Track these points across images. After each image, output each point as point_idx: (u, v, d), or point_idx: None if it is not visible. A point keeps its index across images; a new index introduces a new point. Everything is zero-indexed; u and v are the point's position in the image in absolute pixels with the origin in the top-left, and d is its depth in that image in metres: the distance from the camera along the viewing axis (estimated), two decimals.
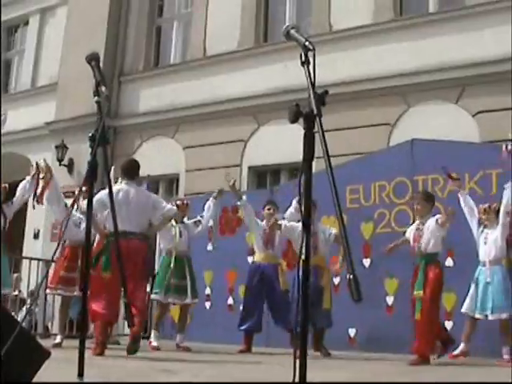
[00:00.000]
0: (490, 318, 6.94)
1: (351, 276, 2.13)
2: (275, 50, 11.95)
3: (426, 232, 6.69)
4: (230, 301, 9.95)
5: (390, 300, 8.58)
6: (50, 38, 16.06)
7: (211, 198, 8.45)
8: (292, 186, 8.71)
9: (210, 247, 10.28)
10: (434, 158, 8.22)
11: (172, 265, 8.06)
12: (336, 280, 8.65)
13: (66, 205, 7.94)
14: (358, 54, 11.19)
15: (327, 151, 2.30)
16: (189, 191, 12.47)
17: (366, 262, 8.74)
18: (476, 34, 10.24)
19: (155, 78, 13.89)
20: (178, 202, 8.31)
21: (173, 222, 7.83)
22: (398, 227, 8.48)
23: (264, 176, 12.31)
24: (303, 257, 2.24)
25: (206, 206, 8.45)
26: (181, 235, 8.18)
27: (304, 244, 2.27)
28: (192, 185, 12.52)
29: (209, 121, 12.61)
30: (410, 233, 6.97)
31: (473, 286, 7.19)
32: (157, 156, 13.18)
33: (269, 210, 8.11)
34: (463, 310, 7.19)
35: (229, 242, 10.05)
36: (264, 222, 8.13)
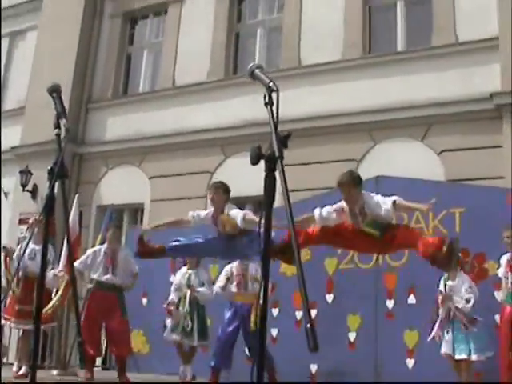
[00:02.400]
0: (474, 358, 6.87)
1: (308, 325, 2.09)
2: (244, 82, 11.93)
3: None
4: None
5: (352, 336, 8.55)
6: (18, 61, 15.96)
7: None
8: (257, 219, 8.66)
9: (172, 278, 10.16)
10: (399, 196, 8.25)
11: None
12: (298, 315, 8.63)
13: None
14: (326, 90, 11.27)
15: (288, 194, 2.27)
16: (153, 221, 12.34)
17: (329, 297, 8.72)
18: (442, 74, 10.41)
19: (123, 107, 13.83)
20: None
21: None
22: (362, 263, 8.51)
23: None
24: (261, 301, 2.20)
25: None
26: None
27: (263, 288, 2.23)
28: (157, 215, 12.38)
29: (176, 151, 12.57)
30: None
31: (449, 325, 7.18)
32: (122, 185, 13.09)
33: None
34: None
35: None
36: (237, 263, 8.09)
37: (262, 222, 2.35)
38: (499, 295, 7.36)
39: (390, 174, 8.97)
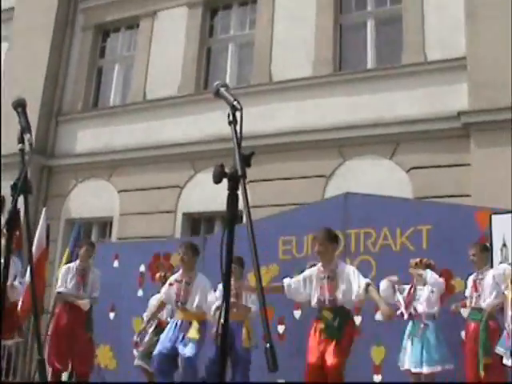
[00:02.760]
0: (425, 371, 6.99)
1: (268, 345, 2.09)
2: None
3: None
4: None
5: None
6: None
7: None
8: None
9: (140, 293, 10.12)
10: (367, 212, 8.32)
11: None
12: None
13: None
14: (296, 106, 11.34)
15: (249, 213, 2.28)
16: (122, 235, 12.31)
17: (297, 313, 8.71)
18: (411, 92, 10.52)
19: (93, 120, 13.75)
20: None
21: None
22: None
23: (198, 223, 12.21)
24: (222, 320, 2.19)
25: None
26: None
27: (223, 306, 2.23)
28: (125, 229, 12.35)
29: (145, 165, 12.52)
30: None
31: (408, 341, 7.26)
32: (91, 198, 13.01)
33: (235, 268, 7.64)
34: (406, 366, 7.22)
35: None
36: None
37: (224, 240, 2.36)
38: (465, 312, 7.42)
39: (359, 190, 9.03)
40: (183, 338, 7.34)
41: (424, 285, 7.33)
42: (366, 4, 11.77)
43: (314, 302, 6.38)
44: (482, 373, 6.63)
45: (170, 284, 7.65)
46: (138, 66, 13.58)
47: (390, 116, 10.52)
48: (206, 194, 11.56)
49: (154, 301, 8.46)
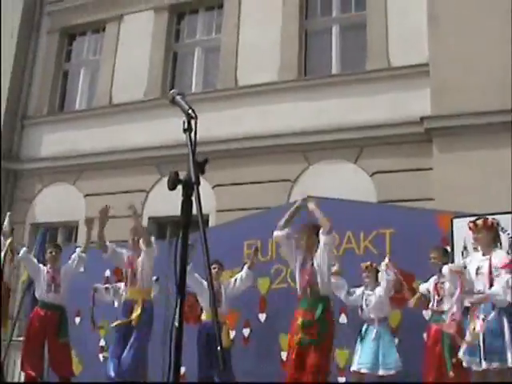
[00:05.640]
0: (381, 373, 7.10)
1: (219, 348, 2.14)
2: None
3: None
4: None
5: (284, 355, 8.55)
6: None
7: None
8: (193, 238, 8.69)
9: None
10: (330, 216, 8.36)
11: None
12: (231, 334, 8.65)
13: None
14: (261, 110, 11.41)
15: (202, 219, 2.33)
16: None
17: (262, 316, 8.76)
18: (374, 97, 10.65)
19: (59, 123, 13.67)
20: None
21: None
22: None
23: (164, 227, 12.20)
24: (176, 323, 2.24)
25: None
26: None
27: (177, 309, 2.27)
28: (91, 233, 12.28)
29: (111, 169, 12.49)
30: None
31: (359, 344, 7.38)
32: (57, 202, 12.94)
33: (214, 268, 7.98)
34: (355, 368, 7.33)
35: None
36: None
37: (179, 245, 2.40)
38: (427, 314, 7.53)
39: (324, 194, 9.07)
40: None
41: (372, 290, 7.47)
42: (331, 10, 11.89)
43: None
44: (450, 373, 6.72)
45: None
46: (104, 70, 13.55)
47: (355, 121, 10.63)
48: (172, 198, 11.47)
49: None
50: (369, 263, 7.57)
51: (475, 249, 6.52)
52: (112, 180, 12.41)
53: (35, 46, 14.58)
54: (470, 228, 6.45)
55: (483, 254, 6.26)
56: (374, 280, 7.49)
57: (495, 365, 5.92)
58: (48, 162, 13.36)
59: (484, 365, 5.93)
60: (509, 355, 5.84)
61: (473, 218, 6.58)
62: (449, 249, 7.56)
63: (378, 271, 7.44)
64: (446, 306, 7.02)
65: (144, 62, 12.94)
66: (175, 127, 12.62)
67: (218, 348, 2.11)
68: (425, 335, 7.47)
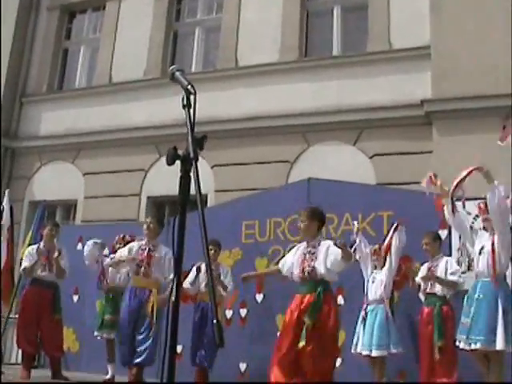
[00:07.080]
0: (374, 354, 7.15)
1: (215, 321, 2.15)
2: None
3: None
4: None
5: None
6: None
7: None
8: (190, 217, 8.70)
9: None
10: (329, 198, 8.39)
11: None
12: (228, 314, 8.69)
13: None
14: (261, 91, 11.38)
15: (200, 195, 2.33)
16: (86, 218, 12.29)
17: (259, 297, 8.79)
18: (375, 79, 10.63)
19: (58, 102, 13.64)
20: None
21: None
22: None
23: (162, 206, 12.20)
24: (173, 298, 2.25)
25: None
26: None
27: (175, 287, 2.28)
28: (90, 212, 12.32)
29: (110, 148, 12.47)
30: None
31: (361, 325, 7.40)
32: (55, 181, 12.95)
33: (211, 250, 7.63)
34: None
35: None
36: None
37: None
38: (422, 296, 7.57)
39: (323, 176, 9.10)
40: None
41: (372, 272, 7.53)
42: None
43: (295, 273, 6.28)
44: (437, 355, 6.80)
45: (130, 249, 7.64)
46: (104, 49, 13.49)
47: (355, 103, 10.61)
48: (170, 177, 11.48)
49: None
50: (377, 246, 7.56)
51: (484, 228, 6.58)
52: (111, 159, 12.40)
53: (35, 23, 14.50)
54: (479, 208, 6.62)
55: (490, 235, 6.37)
56: (381, 263, 7.48)
57: (479, 346, 6.05)
58: (47, 140, 13.33)
59: (472, 345, 6.10)
60: (498, 337, 5.92)
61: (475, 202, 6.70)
62: (445, 232, 7.59)
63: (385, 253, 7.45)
64: (437, 290, 7.07)
65: (144, 41, 12.88)
66: (175, 107, 12.65)
67: (214, 321, 2.12)
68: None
